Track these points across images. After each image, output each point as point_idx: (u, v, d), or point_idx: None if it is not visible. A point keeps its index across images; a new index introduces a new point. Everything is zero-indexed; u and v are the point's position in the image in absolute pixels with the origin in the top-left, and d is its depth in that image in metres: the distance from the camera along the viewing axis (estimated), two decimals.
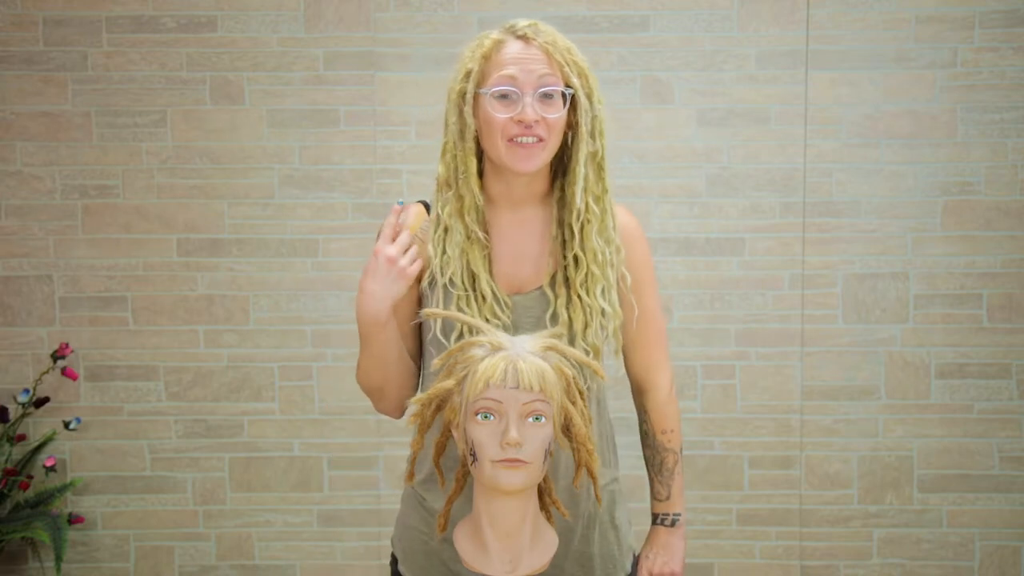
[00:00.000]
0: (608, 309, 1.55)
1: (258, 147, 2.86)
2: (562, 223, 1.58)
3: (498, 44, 1.53)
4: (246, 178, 2.87)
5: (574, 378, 1.44)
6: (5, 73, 2.83)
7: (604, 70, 2.82)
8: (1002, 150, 2.85)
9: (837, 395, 2.90)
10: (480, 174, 1.58)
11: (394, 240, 1.49)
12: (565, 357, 1.44)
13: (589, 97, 1.54)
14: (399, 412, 1.65)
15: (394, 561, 1.66)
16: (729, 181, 2.87)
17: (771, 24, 2.83)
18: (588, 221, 1.55)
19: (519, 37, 1.52)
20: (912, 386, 2.90)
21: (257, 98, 2.85)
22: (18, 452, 2.84)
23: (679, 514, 1.69)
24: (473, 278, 1.55)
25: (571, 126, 1.57)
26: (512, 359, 1.37)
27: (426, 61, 2.83)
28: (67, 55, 2.83)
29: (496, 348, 1.39)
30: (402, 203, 1.54)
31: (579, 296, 1.54)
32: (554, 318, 1.54)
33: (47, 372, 2.81)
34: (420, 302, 1.60)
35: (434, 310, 1.50)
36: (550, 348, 1.42)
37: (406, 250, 1.49)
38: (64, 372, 2.79)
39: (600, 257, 1.55)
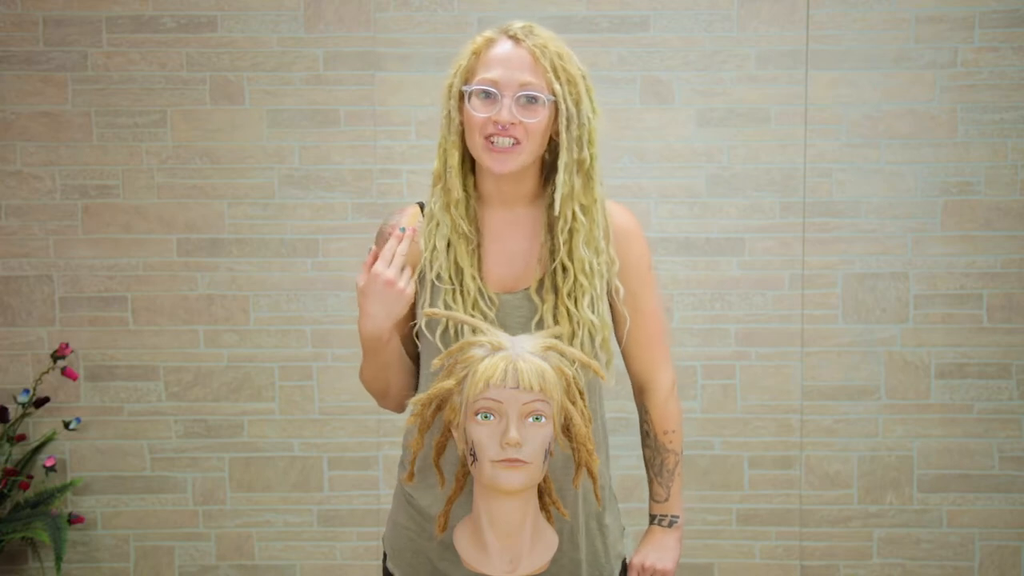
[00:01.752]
0: (596, 321, 1.54)
1: (258, 147, 2.86)
2: (551, 229, 1.57)
3: (489, 43, 1.53)
4: (246, 178, 2.87)
5: (574, 378, 1.44)
6: (5, 73, 2.83)
7: (604, 70, 2.82)
8: (1002, 150, 2.85)
9: (837, 395, 2.90)
10: (474, 171, 1.59)
11: (391, 263, 1.48)
12: (565, 357, 1.44)
13: (577, 105, 1.53)
14: (402, 409, 1.66)
15: (386, 557, 1.66)
16: (729, 181, 2.87)
17: (771, 24, 2.83)
18: (575, 231, 1.54)
19: (510, 37, 1.53)
20: (912, 386, 2.90)
21: (257, 98, 2.85)
22: (18, 452, 2.84)
23: (677, 516, 1.69)
24: (460, 273, 1.55)
25: (558, 133, 1.57)
26: (512, 359, 1.37)
27: (426, 61, 2.83)
28: (67, 55, 2.83)
29: (496, 348, 1.39)
30: (404, 230, 1.52)
31: (566, 306, 1.54)
32: (539, 324, 1.54)
33: (47, 372, 2.81)
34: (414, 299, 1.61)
35: (436, 310, 1.50)
36: (550, 348, 1.42)
37: (402, 270, 1.48)
38: (64, 372, 2.79)
39: (588, 268, 1.54)
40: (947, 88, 2.84)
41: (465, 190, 1.57)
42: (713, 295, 2.89)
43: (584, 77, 1.55)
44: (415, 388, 1.64)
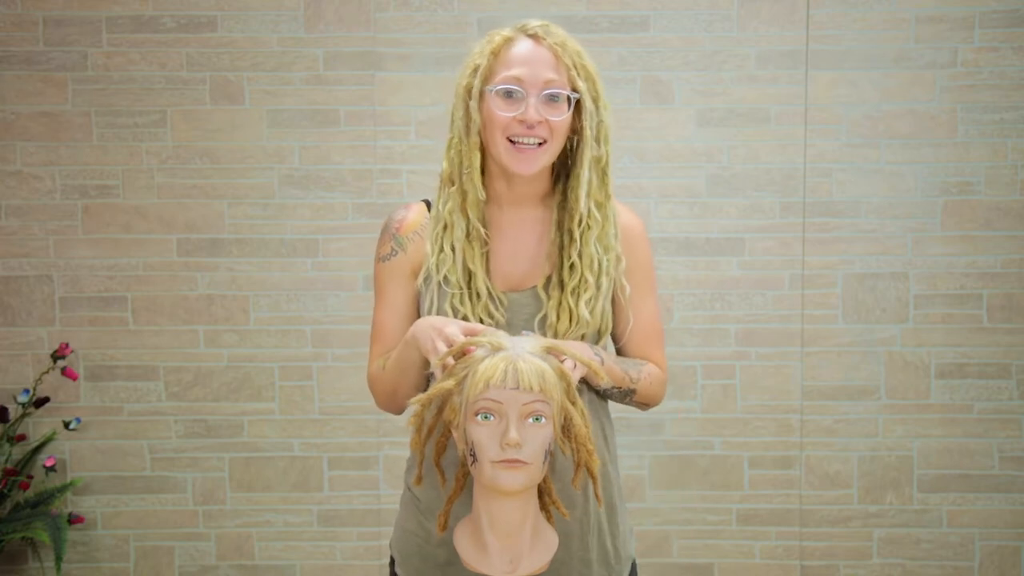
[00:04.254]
0: (587, 318, 1.54)
1: (258, 147, 2.86)
2: (561, 226, 1.58)
3: (508, 41, 1.53)
4: (246, 178, 2.87)
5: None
6: (5, 73, 2.83)
7: (604, 70, 2.78)
8: (1002, 150, 2.85)
9: (837, 395, 2.90)
10: (482, 171, 1.58)
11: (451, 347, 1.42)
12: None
13: (596, 102, 1.55)
14: (401, 411, 1.66)
15: (392, 563, 1.66)
16: (729, 181, 2.86)
17: (771, 24, 2.83)
18: (589, 227, 1.55)
19: (529, 36, 1.53)
20: (912, 386, 2.90)
21: (257, 98, 2.85)
22: (18, 452, 2.84)
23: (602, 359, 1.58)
24: (469, 276, 1.55)
25: (575, 130, 1.57)
26: (512, 359, 1.37)
27: (426, 61, 2.83)
28: (67, 55, 2.83)
29: (496, 348, 1.39)
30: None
31: (568, 302, 1.54)
32: (543, 320, 1.54)
33: (47, 372, 2.81)
34: (417, 299, 1.61)
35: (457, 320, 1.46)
36: (550, 349, 1.42)
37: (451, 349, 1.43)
38: (64, 372, 2.79)
39: (596, 265, 1.55)
40: (947, 88, 2.84)
41: (481, 192, 1.56)
42: (713, 295, 2.89)
43: (598, 75, 1.56)
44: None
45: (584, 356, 1.46)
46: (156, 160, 2.86)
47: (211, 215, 2.87)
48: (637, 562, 1.73)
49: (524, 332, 1.48)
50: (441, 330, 1.44)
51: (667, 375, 1.70)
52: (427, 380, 1.60)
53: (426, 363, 1.53)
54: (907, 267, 2.87)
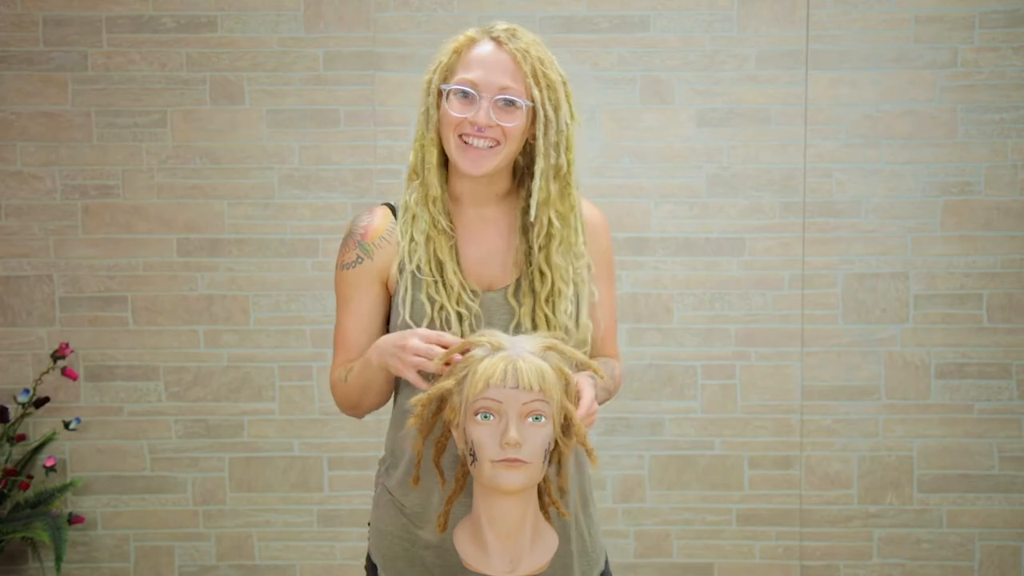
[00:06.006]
0: (571, 327, 1.54)
1: (258, 147, 2.86)
2: (525, 231, 1.57)
3: (470, 42, 1.54)
4: (246, 178, 2.87)
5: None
6: (5, 73, 2.83)
7: (604, 70, 2.82)
8: (1002, 150, 2.85)
9: (837, 395, 2.90)
10: (445, 168, 1.58)
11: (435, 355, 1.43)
12: (565, 357, 1.44)
13: (556, 111, 1.52)
14: (363, 417, 1.67)
15: (372, 568, 1.62)
16: (729, 181, 2.87)
17: (771, 24, 2.83)
18: (552, 236, 1.54)
19: (493, 39, 1.53)
20: (912, 386, 2.90)
21: (257, 98, 2.85)
22: (18, 452, 2.84)
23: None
24: (440, 266, 1.55)
25: (534, 137, 1.56)
26: (512, 359, 1.37)
27: (426, 61, 2.79)
28: (67, 55, 2.83)
29: (496, 348, 1.39)
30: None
31: (544, 311, 1.54)
32: (517, 327, 1.54)
33: (47, 372, 2.81)
34: (391, 292, 1.60)
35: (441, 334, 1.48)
36: (550, 348, 1.43)
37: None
38: (64, 372, 2.79)
39: (566, 274, 1.55)
40: (947, 88, 2.84)
41: (440, 187, 1.57)
42: (713, 295, 2.89)
43: (564, 83, 1.55)
44: (385, 401, 1.64)
45: (583, 356, 1.46)
46: (156, 160, 2.86)
47: (211, 215, 2.87)
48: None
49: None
50: (404, 346, 1.44)
51: (622, 365, 1.70)
52: (393, 393, 1.61)
53: (389, 380, 1.54)
54: (907, 267, 2.87)
